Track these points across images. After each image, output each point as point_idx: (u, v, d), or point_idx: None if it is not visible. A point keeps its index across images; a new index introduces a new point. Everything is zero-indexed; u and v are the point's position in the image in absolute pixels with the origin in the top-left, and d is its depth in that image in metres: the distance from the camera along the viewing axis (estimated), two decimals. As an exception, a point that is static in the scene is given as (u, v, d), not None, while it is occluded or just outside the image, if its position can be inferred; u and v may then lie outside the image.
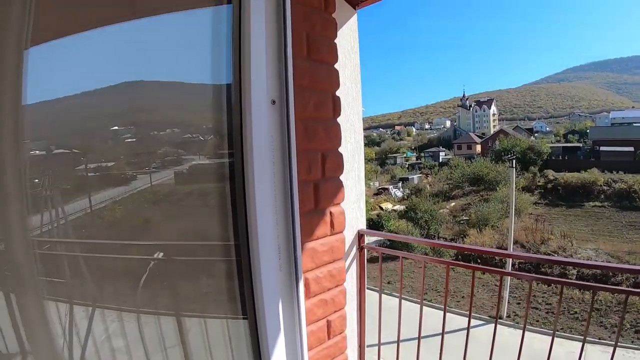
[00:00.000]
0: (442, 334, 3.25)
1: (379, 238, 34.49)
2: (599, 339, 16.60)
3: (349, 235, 3.40)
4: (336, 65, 2.42)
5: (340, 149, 2.46)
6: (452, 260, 28.47)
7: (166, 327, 1.83)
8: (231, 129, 1.85)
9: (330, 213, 2.37)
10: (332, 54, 2.38)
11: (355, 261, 3.51)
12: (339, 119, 2.44)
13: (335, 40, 2.40)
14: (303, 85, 2.13)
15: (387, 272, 24.47)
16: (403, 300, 3.54)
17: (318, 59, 2.26)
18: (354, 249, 3.49)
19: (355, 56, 3.42)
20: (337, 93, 2.42)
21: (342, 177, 2.48)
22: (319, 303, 2.30)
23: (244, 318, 1.95)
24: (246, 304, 1.91)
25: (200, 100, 1.91)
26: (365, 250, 3.58)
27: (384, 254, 3.78)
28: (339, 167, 2.46)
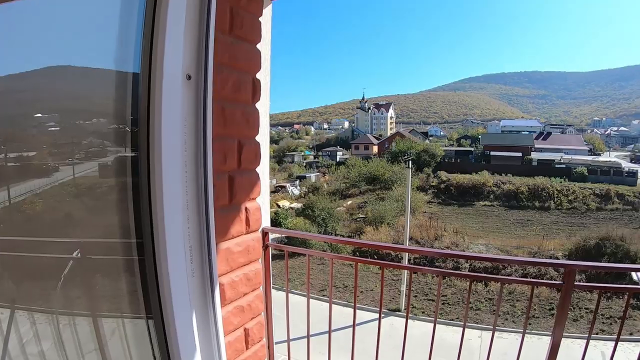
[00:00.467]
0: (354, 326, 3.32)
1: (278, 235, 34.11)
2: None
3: (256, 232, 3.27)
4: (258, 46, 2.18)
5: (258, 138, 2.24)
6: (350, 256, 28.94)
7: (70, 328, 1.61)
8: (138, 109, 1.55)
9: (246, 209, 2.13)
10: (256, 33, 2.13)
11: (260, 261, 3.35)
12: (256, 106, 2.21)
13: (260, 18, 2.16)
14: (222, 62, 1.86)
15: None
16: (303, 297, 3.52)
17: (241, 36, 2.01)
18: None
19: (267, 48, 3.13)
20: (257, 76, 2.18)
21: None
22: (236, 311, 2.05)
23: (149, 317, 1.68)
24: (153, 318, 1.62)
25: (104, 83, 1.60)
26: (271, 248, 3.46)
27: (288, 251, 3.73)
28: (257, 157, 2.24)
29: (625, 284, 21.76)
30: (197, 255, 1.70)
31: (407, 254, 22.67)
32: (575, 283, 2.68)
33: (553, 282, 3.04)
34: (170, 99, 1.53)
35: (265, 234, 3.27)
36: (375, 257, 28.13)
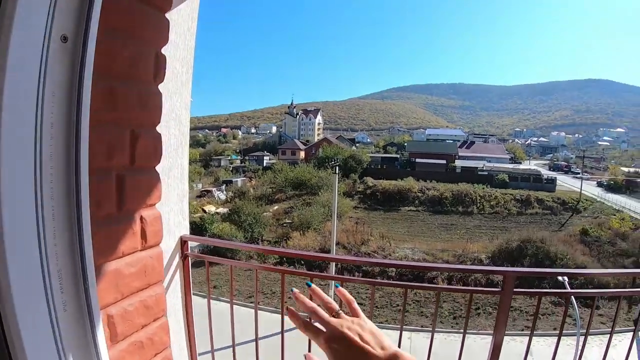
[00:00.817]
0: (282, 334, 3.24)
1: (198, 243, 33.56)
2: (422, 326, 18.20)
3: (171, 242, 2.94)
4: (169, 16, 1.75)
5: (160, 130, 1.79)
6: (277, 263, 29.21)
7: None
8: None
9: (142, 219, 1.68)
10: (166, -2, 1.70)
11: (179, 271, 3.07)
12: (161, 88, 1.76)
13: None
14: (116, 26, 1.43)
15: (211, 277, 24.20)
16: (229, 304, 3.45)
17: (144, -2, 1.57)
18: (177, 258, 3.05)
19: (191, 38, 2.90)
20: (164, 51, 1.75)
21: (162, 173, 1.81)
22: (132, 348, 1.59)
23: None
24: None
25: None
26: (190, 258, 3.19)
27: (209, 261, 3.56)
28: (156, 153, 1.79)
29: (545, 284, 23.27)
30: (69, 282, 1.24)
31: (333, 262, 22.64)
32: (514, 290, 2.80)
33: (492, 289, 3.01)
34: (27, 62, 1.08)
35: (184, 242, 3.07)
36: (302, 262, 28.28)
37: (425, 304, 23.23)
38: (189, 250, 3.16)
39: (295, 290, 1.18)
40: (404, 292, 3.27)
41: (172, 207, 2.90)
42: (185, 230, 3.08)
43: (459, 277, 26.51)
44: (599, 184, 70.65)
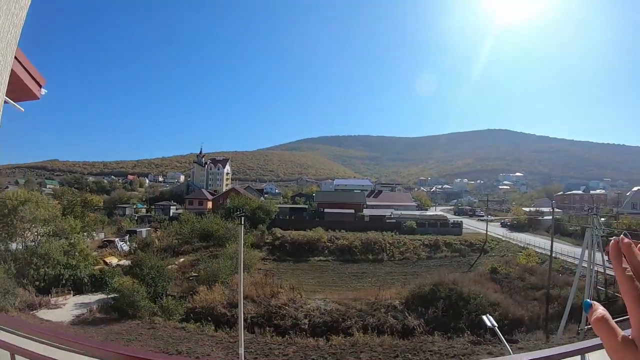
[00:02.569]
0: None
1: (102, 296, 32.19)
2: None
3: None
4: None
5: None
6: (182, 319, 28.48)
7: None
8: None
9: None
10: None
11: None
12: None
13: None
14: None
15: (112, 336, 24.04)
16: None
17: None
18: None
19: (19, 13, 2.07)
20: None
21: None
22: None
23: None
24: None
25: None
26: None
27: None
28: None
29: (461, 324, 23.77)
30: None
31: (242, 313, 22.36)
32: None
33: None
34: None
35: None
36: (210, 318, 27.83)
37: (342, 355, 23.51)
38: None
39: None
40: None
41: None
42: None
43: (374, 325, 27.37)
44: (503, 225, 75.94)
